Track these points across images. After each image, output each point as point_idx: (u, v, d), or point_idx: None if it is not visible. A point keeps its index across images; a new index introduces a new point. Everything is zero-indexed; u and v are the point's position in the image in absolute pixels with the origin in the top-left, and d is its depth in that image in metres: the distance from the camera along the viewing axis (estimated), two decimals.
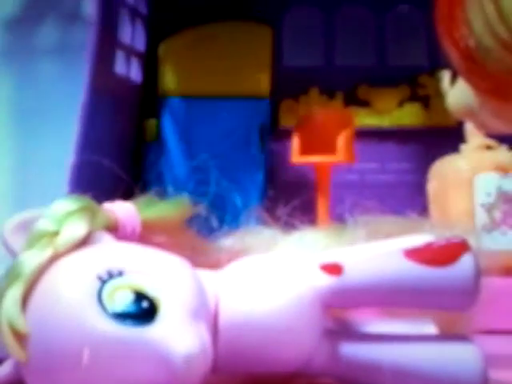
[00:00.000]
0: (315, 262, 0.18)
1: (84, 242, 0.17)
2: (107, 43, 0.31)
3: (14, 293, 0.16)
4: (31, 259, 0.16)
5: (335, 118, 0.31)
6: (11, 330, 0.15)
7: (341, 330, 0.18)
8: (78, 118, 0.28)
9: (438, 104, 0.34)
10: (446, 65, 0.19)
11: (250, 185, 0.33)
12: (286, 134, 0.33)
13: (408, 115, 0.34)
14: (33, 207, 0.18)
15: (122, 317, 0.15)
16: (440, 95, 0.33)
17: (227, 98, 0.34)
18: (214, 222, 0.30)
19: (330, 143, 0.31)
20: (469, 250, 0.18)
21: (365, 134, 0.32)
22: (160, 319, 0.15)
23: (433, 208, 0.29)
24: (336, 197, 0.31)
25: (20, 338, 0.15)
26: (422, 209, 0.29)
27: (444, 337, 0.19)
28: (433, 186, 0.29)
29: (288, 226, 0.26)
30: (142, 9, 0.35)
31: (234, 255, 0.19)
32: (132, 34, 0.34)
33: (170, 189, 0.34)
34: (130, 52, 0.33)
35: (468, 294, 0.18)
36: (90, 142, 0.28)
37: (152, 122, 0.34)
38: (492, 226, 0.27)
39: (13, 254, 0.17)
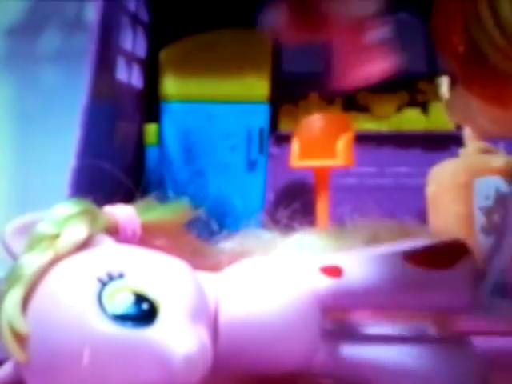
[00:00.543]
0: (315, 265, 0.18)
1: (84, 244, 0.17)
2: (108, 50, 0.31)
3: (15, 295, 0.16)
4: (32, 262, 0.16)
5: (334, 122, 0.31)
6: (12, 331, 0.15)
7: (340, 332, 0.18)
8: (80, 123, 0.28)
9: (437, 109, 0.34)
10: (445, 71, 0.19)
11: (249, 189, 0.33)
12: (286, 139, 0.33)
13: (407, 120, 0.34)
14: (34, 210, 0.18)
15: (122, 319, 0.15)
16: (439, 101, 0.33)
17: (227, 103, 0.34)
18: (214, 226, 0.30)
19: (329, 147, 0.31)
20: (467, 253, 0.18)
21: (364, 139, 0.33)
22: (160, 321, 0.15)
23: (431, 212, 0.29)
24: (335, 201, 0.31)
25: (20, 339, 0.15)
26: (421, 213, 0.29)
27: (443, 338, 0.19)
28: (431, 190, 0.29)
29: (288, 229, 0.26)
30: (143, 16, 0.35)
31: (234, 258, 0.19)
32: (133, 41, 0.34)
33: (171, 192, 0.34)
34: (131, 58, 0.34)
35: (467, 296, 0.18)
36: (90, 147, 0.28)
37: (152, 127, 0.34)
38: (491, 230, 0.27)
39: (13, 256, 0.17)
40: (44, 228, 0.17)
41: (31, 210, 0.18)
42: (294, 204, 0.29)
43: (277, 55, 0.35)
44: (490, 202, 0.27)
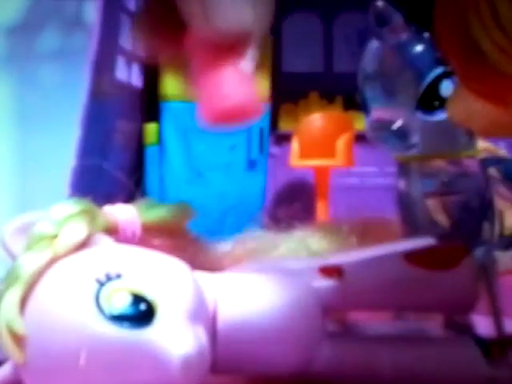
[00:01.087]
0: (315, 266, 0.18)
1: (84, 244, 0.17)
2: (108, 49, 0.31)
3: (13, 295, 0.16)
4: (30, 262, 0.16)
5: (335, 122, 0.31)
6: (10, 332, 0.15)
7: (341, 332, 0.18)
8: (79, 123, 0.28)
9: None
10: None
11: (250, 188, 0.33)
12: (286, 138, 0.33)
13: None
14: (33, 210, 0.18)
15: (119, 319, 0.15)
16: None
17: None
18: (215, 226, 0.30)
19: (329, 147, 0.31)
20: (468, 253, 0.18)
21: (364, 138, 0.33)
22: (158, 322, 0.15)
23: None
24: (335, 200, 0.31)
25: (18, 340, 0.15)
26: None
27: (445, 338, 0.19)
28: None
29: (288, 228, 0.26)
30: None
31: (235, 258, 0.19)
32: (133, 40, 0.34)
33: (171, 192, 0.34)
34: (130, 57, 0.34)
35: (468, 297, 0.18)
36: (90, 146, 0.28)
37: (152, 126, 0.34)
38: None
39: (12, 256, 0.17)
40: (43, 228, 0.17)
41: (30, 209, 0.18)
42: (294, 203, 0.29)
43: (277, 54, 0.35)
44: None
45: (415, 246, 0.19)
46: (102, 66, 0.30)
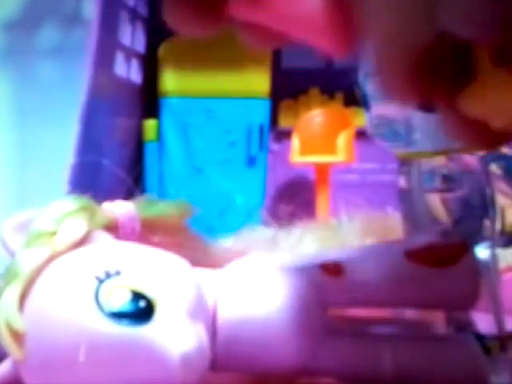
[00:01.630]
0: (316, 262, 0.18)
1: (83, 241, 0.17)
2: (107, 44, 0.30)
3: (12, 292, 0.16)
4: (29, 259, 0.16)
5: (335, 118, 0.31)
6: (9, 329, 0.15)
7: (341, 330, 0.18)
8: (78, 119, 0.28)
9: None
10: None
11: (250, 185, 0.33)
12: (286, 134, 0.33)
13: None
14: (32, 207, 0.18)
15: (118, 316, 0.15)
16: None
17: (227, 99, 0.34)
18: (215, 223, 0.30)
19: (329, 143, 0.31)
20: (469, 250, 0.18)
21: (365, 135, 0.32)
22: (157, 319, 0.15)
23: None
24: (336, 197, 0.31)
25: (17, 337, 0.15)
26: None
27: (445, 335, 0.19)
28: None
29: (288, 225, 0.25)
30: (142, 10, 0.35)
31: (235, 255, 0.19)
32: (132, 36, 0.34)
33: (170, 189, 0.34)
34: (129, 53, 0.33)
35: (468, 294, 0.18)
36: (89, 143, 0.28)
37: (152, 123, 0.34)
38: None
39: (11, 253, 0.17)
40: (42, 225, 0.17)
41: (29, 206, 0.18)
42: (294, 200, 0.29)
43: (277, 50, 0.35)
44: None
45: (416, 242, 0.19)
46: (101, 61, 0.29)
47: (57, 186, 0.26)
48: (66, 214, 0.17)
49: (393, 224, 0.22)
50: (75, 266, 0.16)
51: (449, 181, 0.21)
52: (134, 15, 0.34)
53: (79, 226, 0.17)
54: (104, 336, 0.14)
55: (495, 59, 0.11)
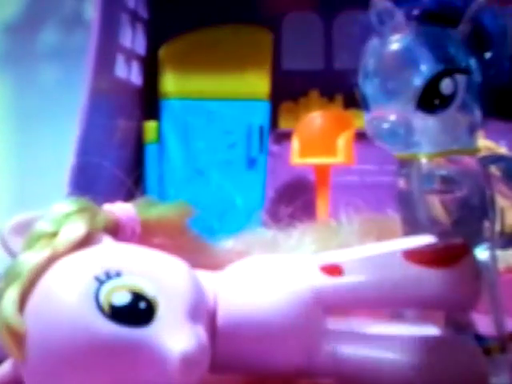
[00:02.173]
0: (315, 263, 0.18)
1: (83, 243, 0.17)
2: (108, 47, 0.31)
3: (12, 293, 0.16)
4: (30, 260, 0.16)
5: (335, 120, 0.31)
6: (9, 330, 0.15)
7: (341, 331, 0.18)
8: (79, 121, 0.28)
9: None
10: None
11: (250, 187, 0.33)
12: (286, 136, 0.33)
13: None
14: (32, 209, 0.18)
15: (119, 317, 0.15)
16: None
17: (227, 100, 0.34)
18: (214, 224, 0.30)
19: (329, 145, 0.31)
20: (469, 251, 0.18)
21: (364, 136, 0.33)
22: (157, 320, 0.15)
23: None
24: (335, 198, 0.31)
25: (18, 338, 0.15)
26: None
27: (445, 336, 0.19)
28: None
29: (288, 226, 0.25)
30: (143, 12, 0.35)
31: (235, 256, 0.19)
32: (132, 38, 0.34)
33: (170, 190, 0.34)
34: (130, 55, 0.34)
35: (468, 295, 0.18)
36: (90, 145, 0.28)
37: (152, 124, 0.34)
38: None
39: (12, 254, 0.17)
40: (42, 226, 0.17)
41: (30, 208, 0.18)
42: (294, 202, 0.29)
43: (277, 52, 0.35)
44: None
45: (415, 243, 0.19)
46: (102, 63, 0.30)
47: (57, 187, 0.26)
48: (67, 215, 0.17)
49: (392, 225, 0.22)
50: (76, 268, 0.16)
51: (448, 182, 0.21)
52: (134, 17, 0.34)
53: (80, 227, 0.17)
54: (104, 337, 0.14)
55: None
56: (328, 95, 0.34)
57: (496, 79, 0.21)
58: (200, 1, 0.35)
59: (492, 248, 0.19)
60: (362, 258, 0.18)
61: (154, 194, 0.32)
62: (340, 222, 0.25)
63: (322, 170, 0.31)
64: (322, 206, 0.30)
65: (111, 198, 0.19)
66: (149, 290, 0.15)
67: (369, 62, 0.22)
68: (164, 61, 0.34)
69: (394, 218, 0.22)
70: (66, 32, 0.38)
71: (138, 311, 0.15)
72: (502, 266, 0.19)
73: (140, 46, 0.35)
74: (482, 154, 0.21)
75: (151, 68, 0.35)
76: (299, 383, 0.17)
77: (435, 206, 0.21)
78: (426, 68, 0.20)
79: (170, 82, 0.34)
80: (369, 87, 0.22)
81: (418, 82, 0.20)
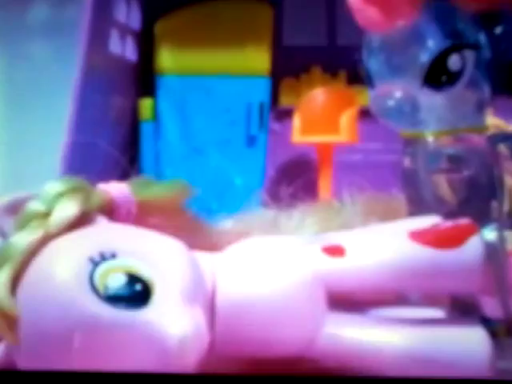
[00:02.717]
0: (317, 244, 0.18)
1: (77, 223, 0.16)
2: (101, 22, 0.30)
3: (4, 275, 0.15)
4: (22, 241, 0.16)
5: (338, 97, 0.30)
6: (1, 312, 0.15)
7: (343, 314, 0.18)
8: (72, 98, 0.27)
9: None
10: None
11: (250, 166, 0.33)
12: (287, 114, 0.32)
13: None
14: (25, 188, 0.17)
15: (114, 299, 0.14)
16: None
17: (226, 76, 0.33)
18: (213, 204, 0.29)
19: (332, 123, 0.30)
20: (476, 232, 0.18)
21: (369, 114, 0.32)
22: (154, 302, 0.14)
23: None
24: (338, 178, 0.30)
25: (10, 321, 0.15)
26: None
27: (450, 321, 0.18)
28: None
29: (289, 206, 0.25)
30: None
31: (234, 237, 0.19)
32: (127, 12, 0.33)
33: (167, 170, 0.33)
34: (124, 30, 0.33)
35: (475, 277, 0.17)
36: (83, 123, 0.27)
37: (148, 101, 0.33)
38: None
39: (3, 235, 0.17)
40: (34, 206, 0.16)
41: (22, 187, 0.17)
42: (295, 181, 0.28)
43: (277, 27, 0.34)
44: None
45: (421, 223, 0.18)
46: (95, 39, 0.29)
47: (50, 166, 0.26)
48: (60, 194, 0.17)
49: (397, 205, 0.22)
50: (69, 249, 0.15)
51: (455, 161, 0.21)
52: None
53: (73, 207, 0.16)
54: (99, 320, 0.14)
55: None
56: (331, 71, 0.33)
57: (506, 55, 0.20)
58: None
59: (500, 228, 0.19)
60: (366, 238, 0.18)
61: (150, 174, 0.32)
62: (343, 202, 0.25)
63: (324, 149, 0.31)
64: (325, 185, 0.30)
65: (106, 178, 0.19)
66: (145, 272, 0.15)
67: (373, 37, 0.21)
68: (160, 36, 0.33)
69: (399, 197, 0.22)
70: (58, 6, 0.37)
71: (133, 293, 0.14)
72: (510, 247, 0.19)
73: (135, 21, 0.34)
74: (491, 132, 0.21)
75: (146, 43, 0.34)
76: (300, 367, 0.17)
77: (442, 185, 0.20)
78: (433, 43, 0.20)
79: (166, 58, 0.33)
80: (373, 63, 0.21)
81: (424, 57, 0.20)
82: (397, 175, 0.22)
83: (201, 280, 0.16)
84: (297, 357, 0.17)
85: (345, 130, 0.30)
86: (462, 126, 0.21)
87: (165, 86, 0.33)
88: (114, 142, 0.30)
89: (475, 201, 0.20)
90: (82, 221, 0.16)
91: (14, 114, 0.36)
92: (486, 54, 0.20)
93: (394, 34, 0.20)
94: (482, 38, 0.20)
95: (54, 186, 0.17)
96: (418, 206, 0.21)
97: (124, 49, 0.33)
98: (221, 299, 0.16)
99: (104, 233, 0.16)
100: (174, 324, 0.14)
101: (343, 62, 0.32)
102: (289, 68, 0.33)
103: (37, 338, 0.15)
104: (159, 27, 0.34)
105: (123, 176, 0.22)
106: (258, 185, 0.32)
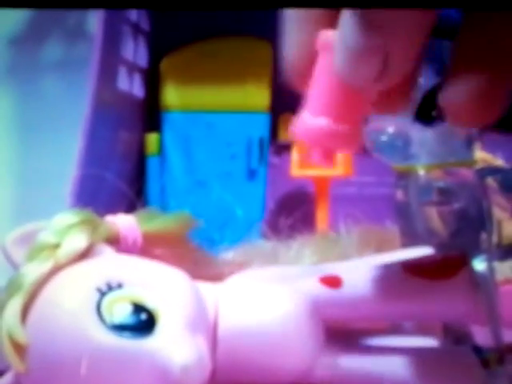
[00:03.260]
0: (315, 275, 0.18)
1: (85, 254, 0.17)
2: (110, 59, 0.31)
3: (15, 304, 0.16)
4: (32, 271, 0.16)
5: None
6: (11, 341, 0.15)
7: (340, 343, 0.18)
8: (82, 133, 0.28)
9: None
10: None
11: (250, 198, 0.33)
12: (286, 148, 0.33)
13: None
14: (35, 221, 0.18)
15: (120, 329, 0.15)
16: None
17: (227, 112, 0.34)
18: (216, 235, 0.30)
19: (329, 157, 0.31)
20: (467, 263, 0.18)
21: (363, 148, 0.33)
22: (158, 331, 0.15)
23: None
24: (334, 210, 0.31)
25: (20, 349, 0.15)
26: None
27: (443, 348, 0.19)
28: None
29: (288, 238, 0.26)
30: (145, 25, 0.36)
31: (235, 268, 0.19)
32: (134, 50, 0.34)
33: (172, 202, 0.34)
34: (132, 68, 0.34)
35: (466, 306, 0.18)
36: (92, 156, 0.28)
37: (154, 136, 0.34)
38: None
39: (14, 265, 0.17)
40: (45, 237, 0.17)
41: (32, 219, 0.18)
42: (294, 213, 0.29)
43: (277, 64, 0.35)
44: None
45: (414, 255, 0.19)
46: (104, 76, 0.30)
47: (60, 199, 0.26)
48: (69, 226, 0.17)
49: (391, 237, 0.22)
50: (77, 279, 0.16)
51: (446, 194, 0.21)
52: (136, 30, 0.34)
53: (82, 238, 0.17)
54: (106, 348, 0.15)
55: None
56: None
57: None
58: (201, 13, 0.36)
59: (490, 259, 0.19)
60: (362, 269, 0.19)
61: (156, 206, 0.32)
62: (339, 233, 0.25)
63: (321, 182, 0.31)
64: (322, 217, 0.31)
65: (113, 210, 0.19)
66: (150, 302, 0.15)
67: None
68: (165, 73, 0.35)
69: (393, 229, 0.22)
70: (69, 44, 0.38)
71: (139, 322, 0.15)
72: (499, 277, 0.19)
73: (142, 59, 0.35)
74: (479, 166, 0.22)
75: (153, 80, 0.35)
76: None
77: (433, 217, 0.21)
78: (423, 80, 0.21)
79: (171, 95, 0.34)
80: None
81: (415, 94, 0.21)
82: (390, 207, 0.22)
83: (203, 309, 0.16)
84: None
85: (341, 163, 0.31)
86: (452, 160, 0.22)
87: (170, 122, 0.34)
88: (121, 175, 0.30)
89: (465, 232, 0.20)
90: (89, 252, 0.17)
91: (25, 147, 0.37)
92: None
93: None
94: None
95: (64, 218, 0.17)
96: (410, 238, 0.21)
97: (131, 85, 0.34)
98: (222, 328, 0.16)
99: (111, 263, 0.17)
100: (177, 352, 0.14)
101: None
102: (287, 103, 0.35)
103: (45, 366, 0.15)
104: (165, 65, 0.35)
105: (130, 208, 0.22)
106: (258, 217, 0.33)
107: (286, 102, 0.35)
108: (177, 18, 0.36)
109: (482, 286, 0.18)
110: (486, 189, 0.21)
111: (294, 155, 0.32)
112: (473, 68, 0.13)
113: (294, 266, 0.22)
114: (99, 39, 0.29)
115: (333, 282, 0.18)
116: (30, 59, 0.38)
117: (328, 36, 0.14)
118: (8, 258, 0.17)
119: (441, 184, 0.21)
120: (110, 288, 0.15)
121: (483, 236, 0.20)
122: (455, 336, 0.19)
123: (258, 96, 0.34)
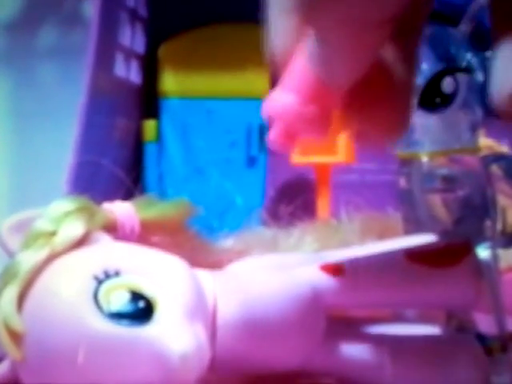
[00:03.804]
0: (315, 262, 0.18)
1: (82, 241, 0.17)
2: (107, 45, 0.30)
3: (11, 292, 0.15)
4: (28, 259, 0.16)
5: (336, 118, 0.31)
6: (7, 329, 0.15)
7: (341, 331, 0.18)
8: (78, 119, 0.28)
9: None
10: None
11: (250, 185, 0.33)
12: None
13: None
14: (31, 208, 0.18)
15: (117, 317, 0.15)
16: None
17: (227, 99, 0.34)
18: (214, 223, 0.30)
19: (330, 144, 0.31)
20: (470, 250, 0.18)
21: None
22: (156, 319, 0.15)
23: None
24: (336, 197, 0.31)
25: (16, 337, 0.15)
26: None
27: (447, 338, 0.19)
28: None
29: (289, 226, 0.25)
30: (142, 11, 0.35)
31: (235, 255, 0.19)
32: (132, 36, 0.34)
33: (170, 189, 0.34)
34: (129, 54, 0.33)
35: (469, 294, 0.18)
36: (89, 143, 0.28)
37: (151, 123, 0.34)
38: None
39: (10, 253, 0.17)
40: (41, 225, 0.17)
41: (28, 206, 0.18)
42: (294, 200, 0.29)
43: None
44: None
45: (416, 243, 0.19)
46: (101, 62, 0.29)
47: (56, 186, 0.26)
48: (65, 214, 0.17)
49: (393, 224, 0.22)
50: (74, 267, 0.16)
51: (449, 181, 0.21)
52: (133, 16, 0.34)
53: (78, 226, 0.17)
54: (103, 337, 0.14)
55: None
56: None
57: None
58: None
59: (493, 247, 0.19)
60: (363, 257, 0.18)
61: (154, 193, 0.32)
62: (341, 220, 0.25)
63: (322, 169, 0.31)
64: (323, 204, 0.30)
65: (110, 197, 0.19)
66: (148, 289, 0.15)
67: None
68: (163, 59, 0.34)
69: (395, 216, 0.22)
70: (65, 31, 0.38)
71: (136, 310, 0.15)
72: (503, 265, 0.19)
73: (139, 45, 0.35)
74: (484, 152, 0.21)
75: (150, 67, 0.35)
76: (299, 383, 0.17)
77: (436, 205, 0.21)
78: (427, 67, 0.20)
79: (169, 81, 0.34)
80: None
81: (419, 80, 0.20)
82: (392, 194, 0.22)
83: (202, 297, 0.16)
84: (296, 372, 0.17)
85: (342, 150, 0.30)
86: (456, 146, 0.21)
87: (168, 109, 0.34)
88: (118, 163, 0.30)
89: (469, 220, 0.20)
90: (86, 239, 0.17)
91: (21, 134, 0.37)
92: (479, 76, 0.21)
93: None
94: (474, 61, 0.21)
95: (60, 206, 0.17)
96: (413, 225, 0.21)
97: (128, 72, 0.33)
98: (222, 316, 0.16)
99: (108, 251, 0.16)
100: (175, 340, 0.14)
101: None
102: None
103: (41, 354, 0.15)
104: (162, 51, 0.34)
105: (127, 195, 0.22)
106: (258, 204, 0.32)
107: None
108: (175, 4, 0.35)
109: (485, 273, 0.18)
110: (491, 176, 0.21)
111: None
112: None
113: (295, 254, 0.22)
114: (96, 25, 0.29)
115: (334, 269, 0.18)
116: (25, 45, 0.37)
117: None
118: (3, 245, 0.17)
119: (444, 171, 0.21)
120: (107, 276, 0.15)
121: (487, 223, 0.20)
122: (458, 324, 0.19)
123: (258, 82, 0.34)
